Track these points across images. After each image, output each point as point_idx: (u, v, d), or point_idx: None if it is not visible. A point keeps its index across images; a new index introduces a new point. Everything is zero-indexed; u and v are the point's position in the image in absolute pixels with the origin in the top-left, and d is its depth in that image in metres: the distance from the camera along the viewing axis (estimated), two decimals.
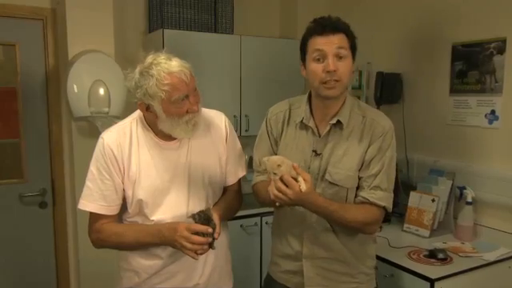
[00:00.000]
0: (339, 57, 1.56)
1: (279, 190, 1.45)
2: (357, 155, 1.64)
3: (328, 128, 1.66)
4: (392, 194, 1.68)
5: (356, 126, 1.66)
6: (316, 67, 1.58)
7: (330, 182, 1.64)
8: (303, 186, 1.45)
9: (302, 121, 1.71)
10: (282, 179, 1.45)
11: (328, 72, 1.56)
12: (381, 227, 2.68)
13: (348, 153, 1.64)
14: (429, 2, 2.91)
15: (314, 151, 1.67)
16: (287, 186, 1.45)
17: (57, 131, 3.14)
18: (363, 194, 1.64)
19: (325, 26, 1.57)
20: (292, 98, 1.83)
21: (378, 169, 1.63)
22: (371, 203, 1.63)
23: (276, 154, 1.76)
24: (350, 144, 1.65)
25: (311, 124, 1.69)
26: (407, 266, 2.18)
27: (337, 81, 1.57)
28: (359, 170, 1.65)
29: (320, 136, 1.68)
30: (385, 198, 1.64)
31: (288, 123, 1.76)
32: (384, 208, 1.65)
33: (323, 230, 1.68)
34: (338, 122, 1.65)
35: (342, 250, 1.70)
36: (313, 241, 1.70)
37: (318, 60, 1.58)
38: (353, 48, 1.61)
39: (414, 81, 3.02)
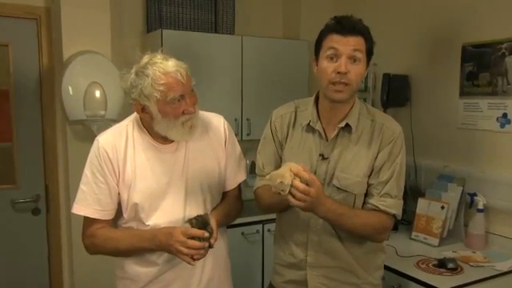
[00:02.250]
0: (353, 59, 1.56)
1: (301, 191, 1.43)
2: (366, 161, 1.64)
3: (336, 132, 1.66)
4: (402, 201, 1.69)
5: (365, 131, 1.66)
6: (327, 66, 1.58)
7: (337, 188, 1.64)
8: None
9: (308, 123, 1.70)
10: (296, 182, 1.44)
11: (338, 73, 1.55)
12: (388, 235, 2.67)
13: (357, 158, 1.64)
14: (438, 1, 2.91)
15: (321, 155, 1.67)
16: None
17: (51, 135, 3.14)
18: (373, 201, 1.64)
19: (344, 24, 1.57)
20: (297, 99, 1.82)
21: (388, 176, 1.63)
22: (381, 211, 1.63)
23: (281, 158, 1.76)
24: (359, 149, 1.65)
25: (318, 127, 1.69)
26: (415, 276, 2.17)
27: (346, 84, 1.57)
28: (369, 176, 1.65)
29: (327, 140, 1.68)
30: (395, 206, 1.65)
31: (294, 126, 1.76)
32: (394, 216, 1.66)
33: (328, 237, 1.68)
34: (347, 125, 1.65)
35: (348, 258, 1.69)
36: (317, 249, 1.69)
37: (331, 59, 1.57)
38: (369, 52, 1.60)
39: (423, 83, 3.02)
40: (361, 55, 1.57)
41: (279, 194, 1.44)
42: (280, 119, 1.79)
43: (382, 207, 1.63)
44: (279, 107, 1.84)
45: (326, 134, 1.69)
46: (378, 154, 1.64)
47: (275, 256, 1.86)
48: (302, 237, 1.72)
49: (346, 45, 1.55)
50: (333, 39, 1.57)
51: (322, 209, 1.52)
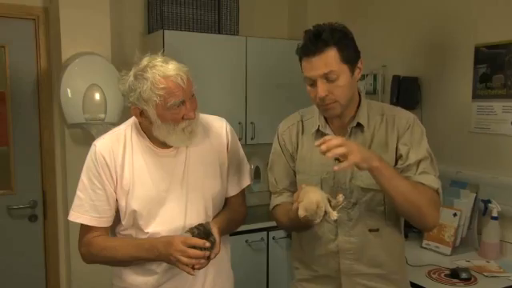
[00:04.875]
0: (328, 79, 1.54)
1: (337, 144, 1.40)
2: (387, 155, 1.61)
3: (348, 132, 1.65)
4: (440, 182, 1.63)
5: (377, 126, 1.65)
6: (310, 90, 1.59)
7: (362, 188, 1.62)
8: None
9: (318, 129, 1.69)
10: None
11: (320, 98, 1.56)
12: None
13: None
14: (449, 1, 2.89)
15: (337, 159, 1.65)
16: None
17: (49, 139, 3.14)
18: (412, 179, 1.57)
19: (308, 48, 1.55)
20: (301, 109, 1.82)
21: (419, 157, 1.59)
22: (425, 185, 1.57)
23: (294, 171, 1.75)
24: (376, 146, 1.63)
25: (328, 131, 1.68)
26: (427, 286, 2.15)
27: (333, 102, 1.57)
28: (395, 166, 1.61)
29: None
30: (436, 182, 1.59)
31: (303, 135, 1.75)
32: (437, 193, 1.59)
33: (362, 242, 1.64)
34: (358, 124, 1.64)
35: (386, 262, 1.67)
36: (350, 256, 1.66)
37: (311, 85, 1.58)
38: (348, 59, 1.54)
39: (434, 85, 3.00)
40: (335, 73, 1.53)
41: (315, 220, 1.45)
42: (288, 131, 1.78)
43: (425, 182, 1.57)
44: (284, 120, 1.84)
45: None
46: (397, 144, 1.62)
47: (297, 273, 1.82)
48: (332, 246, 1.68)
49: (316, 69, 1.54)
50: (304, 66, 1.58)
51: (372, 155, 1.48)
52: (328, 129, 1.68)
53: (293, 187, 1.76)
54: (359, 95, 1.69)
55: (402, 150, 1.61)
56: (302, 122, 1.77)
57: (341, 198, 1.48)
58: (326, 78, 1.53)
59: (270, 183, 1.81)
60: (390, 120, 1.65)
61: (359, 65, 1.60)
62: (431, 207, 1.58)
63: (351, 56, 1.56)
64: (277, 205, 1.77)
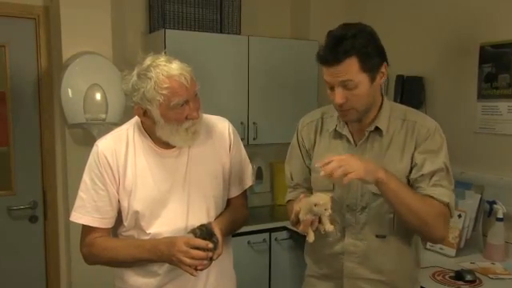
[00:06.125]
0: (346, 87, 1.52)
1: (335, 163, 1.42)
2: (401, 163, 1.61)
3: (366, 136, 1.65)
4: (453, 194, 1.61)
5: (396, 131, 1.64)
6: (329, 94, 1.58)
7: (373, 194, 1.61)
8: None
9: (335, 129, 1.70)
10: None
11: (337, 105, 1.55)
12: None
13: (391, 161, 1.61)
14: None
15: None
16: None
17: (49, 139, 3.15)
18: (423, 191, 1.57)
19: (326, 56, 1.51)
20: (325, 106, 1.80)
21: (434, 168, 1.57)
22: (434, 199, 1.56)
23: (308, 168, 1.77)
24: (392, 151, 1.62)
25: (346, 132, 1.68)
26: None
27: (351, 108, 1.56)
28: (408, 177, 1.60)
29: (356, 145, 1.66)
30: (448, 195, 1.57)
31: (321, 133, 1.76)
32: (448, 207, 1.58)
33: (365, 246, 1.65)
34: (377, 128, 1.63)
35: (389, 271, 1.66)
36: (353, 258, 1.67)
37: (330, 88, 1.56)
38: (370, 67, 1.51)
39: (438, 85, 3.00)
40: (353, 82, 1.50)
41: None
42: (306, 127, 1.79)
43: (435, 196, 1.55)
44: (306, 115, 1.84)
45: (354, 139, 1.67)
46: (413, 153, 1.60)
47: (307, 269, 1.85)
48: (338, 247, 1.69)
49: (334, 76, 1.52)
50: (324, 71, 1.55)
51: (377, 167, 1.48)
52: (346, 130, 1.68)
53: (307, 183, 1.78)
54: (382, 97, 1.67)
55: (418, 159, 1.59)
56: (322, 119, 1.77)
57: (331, 228, 1.50)
58: (344, 85, 1.51)
59: (286, 177, 1.84)
60: (410, 126, 1.63)
61: (382, 69, 1.56)
62: (439, 221, 1.57)
63: (373, 63, 1.52)
64: (290, 200, 1.80)
